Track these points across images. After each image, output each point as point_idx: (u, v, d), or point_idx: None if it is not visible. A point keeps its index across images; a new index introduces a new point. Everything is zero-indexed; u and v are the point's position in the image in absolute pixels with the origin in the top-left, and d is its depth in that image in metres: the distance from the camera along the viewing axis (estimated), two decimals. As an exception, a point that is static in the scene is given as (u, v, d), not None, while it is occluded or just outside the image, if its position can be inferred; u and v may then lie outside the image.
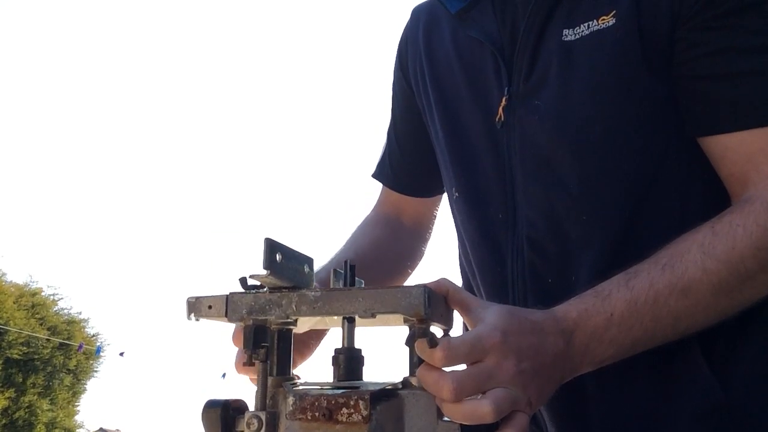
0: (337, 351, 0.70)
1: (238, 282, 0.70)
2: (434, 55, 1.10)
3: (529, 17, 0.91)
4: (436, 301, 0.67)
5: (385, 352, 0.81)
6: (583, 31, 0.87)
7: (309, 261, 0.72)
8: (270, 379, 0.69)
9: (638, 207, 0.86)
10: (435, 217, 1.29)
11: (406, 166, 1.24)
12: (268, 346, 0.70)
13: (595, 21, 0.87)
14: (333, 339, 0.86)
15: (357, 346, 0.72)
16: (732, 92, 0.80)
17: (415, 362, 0.67)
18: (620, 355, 0.76)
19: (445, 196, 1.22)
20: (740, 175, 0.81)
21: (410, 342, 0.63)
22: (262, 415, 0.65)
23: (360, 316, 0.63)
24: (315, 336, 0.92)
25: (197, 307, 0.71)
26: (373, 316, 0.62)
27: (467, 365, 0.66)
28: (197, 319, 0.73)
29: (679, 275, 0.74)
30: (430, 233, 1.29)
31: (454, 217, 1.09)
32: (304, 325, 0.82)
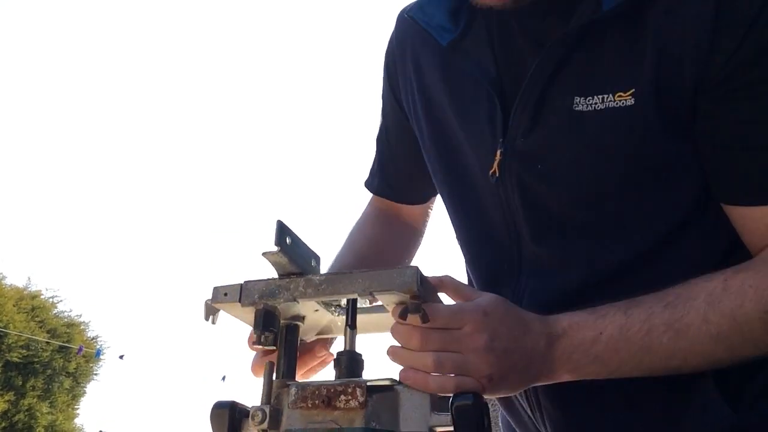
0: (339, 354, 0.75)
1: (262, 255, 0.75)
2: (424, 82, 1.04)
3: (534, 71, 0.84)
4: (429, 286, 0.74)
5: (386, 361, 0.84)
6: (596, 104, 0.82)
7: (316, 257, 0.79)
8: (276, 381, 0.74)
9: (653, 263, 0.85)
10: (432, 210, 1.29)
11: (400, 176, 1.23)
12: (276, 333, 0.76)
13: (611, 96, 0.81)
14: (338, 345, 0.88)
15: (358, 351, 0.76)
16: (753, 166, 0.78)
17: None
18: (605, 374, 0.78)
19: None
20: (759, 242, 0.80)
21: (404, 315, 0.69)
22: (266, 409, 0.70)
23: (360, 295, 0.70)
24: (323, 346, 0.95)
25: (214, 295, 0.77)
26: (371, 294, 0.69)
27: None
28: (214, 322, 0.79)
29: (678, 317, 0.74)
30: (426, 225, 1.30)
31: (461, 250, 1.08)
32: (311, 332, 0.88)
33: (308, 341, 0.92)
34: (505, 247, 0.93)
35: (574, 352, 0.76)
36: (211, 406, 0.74)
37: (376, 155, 1.27)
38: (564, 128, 0.84)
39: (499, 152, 0.89)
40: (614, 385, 0.79)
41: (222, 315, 0.82)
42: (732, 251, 0.81)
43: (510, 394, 0.81)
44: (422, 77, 1.04)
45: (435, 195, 1.25)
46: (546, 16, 0.87)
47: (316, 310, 0.79)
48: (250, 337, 0.87)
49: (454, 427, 0.65)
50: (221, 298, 0.77)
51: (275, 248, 0.71)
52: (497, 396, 0.80)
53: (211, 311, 0.80)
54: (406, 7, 1.04)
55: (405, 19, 1.08)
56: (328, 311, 0.80)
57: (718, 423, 0.81)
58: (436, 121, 1.02)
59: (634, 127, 0.81)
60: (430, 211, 1.30)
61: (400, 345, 0.73)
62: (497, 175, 0.90)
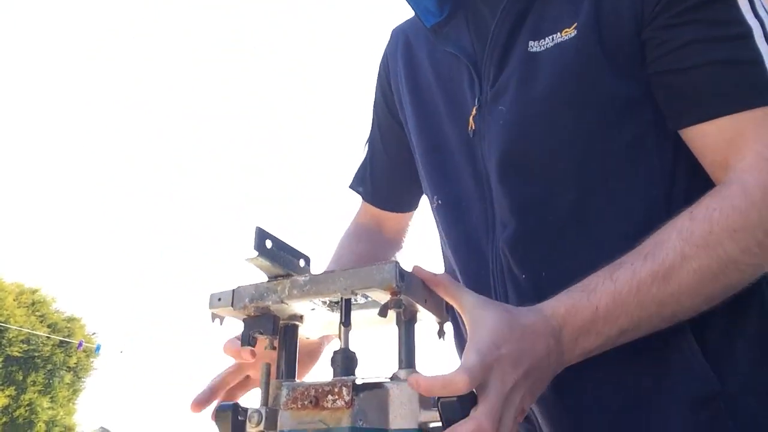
0: (335, 353, 0.76)
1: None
2: (413, 71, 1.15)
3: (495, 28, 0.96)
4: (417, 281, 0.74)
5: (384, 357, 0.84)
6: (547, 44, 0.92)
7: (306, 257, 0.81)
8: (274, 382, 0.76)
9: (612, 205, 0.88)
10: (410, 225, 1.36)
11: (386, 181, 1.30)
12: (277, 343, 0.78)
13: (558, 34, 0.92)
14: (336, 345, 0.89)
15: (354, 350, 0.76)
16: (703, 82, 0.83)
17: (402, 354, 0.74)
18: (608, 345, 0.78)
19: (422, 205, 1.30)
20: (721, 161, 0.82)
21: (383, 312, 0.70)
22: (263, 410, 0.72)
23: (342, 294, 0.72)
24: (319, 343, 0.99)
25: (210, 301, 0.80)
26: (353, 293, 0.71)
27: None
28: (221, 324, 0.82)
29: (660, 262, 0.75)
30: (405, 239, 1.36)
31: (437, 223, 1.12)
32: (315, 331, 0.89)
33: (313, 339, 0.95)
34: (480, 204, 0.98)
35: (578, 336, 0.76)
36: (215, 408, 0.76)
37: (364, 161, 1.33)
38: (521, 69, 0.94)
39: (474, 108, 0.99)
40: (593, 361, 0.80)
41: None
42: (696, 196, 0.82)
43: None
44: (411, 68, 1.16)
45: (416, 207, 1.33)
46: None
47: (313, 309, 0.81)
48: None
49: (442, 422, 0.65)
50: (216, 303, 0.80)
51: (255, 253, 0.73)
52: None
53: (216, 315, 0.82)
54: None
55: (398, 30, 1.24)
56: (326, 309, 0.81)
57: (702, 385, 0.82)
58: (420, 105, 1.12)
59: (577, 57, 0.89)
60: (409, 225, 1.37)
61: None
62: (473, 128, 0.99)
